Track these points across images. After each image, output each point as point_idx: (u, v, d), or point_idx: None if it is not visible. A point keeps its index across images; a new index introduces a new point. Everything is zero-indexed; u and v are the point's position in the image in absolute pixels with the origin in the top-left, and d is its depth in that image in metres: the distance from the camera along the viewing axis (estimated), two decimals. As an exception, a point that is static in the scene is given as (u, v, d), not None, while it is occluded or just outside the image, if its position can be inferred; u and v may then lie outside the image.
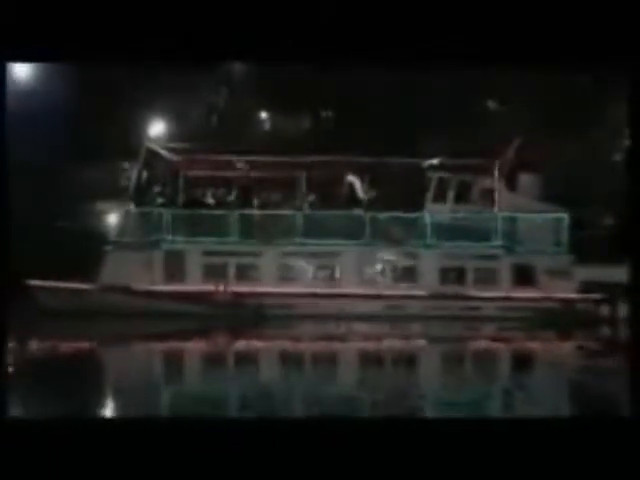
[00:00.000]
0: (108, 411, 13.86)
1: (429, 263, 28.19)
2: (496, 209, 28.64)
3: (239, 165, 28.31)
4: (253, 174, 28.56)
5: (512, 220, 28.67)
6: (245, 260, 28.00)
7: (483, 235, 28.48)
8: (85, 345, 22.66)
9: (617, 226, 29.34)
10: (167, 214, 28.27)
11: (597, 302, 28.16)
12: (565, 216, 28.59)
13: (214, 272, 27.83)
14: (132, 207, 28.20)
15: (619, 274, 28.86)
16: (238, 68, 36.19)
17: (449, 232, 28.39)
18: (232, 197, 28.71)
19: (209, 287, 27.41)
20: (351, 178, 29.28)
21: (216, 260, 28.00)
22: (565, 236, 28.56)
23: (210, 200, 28.91)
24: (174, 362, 20.94)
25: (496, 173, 28.68)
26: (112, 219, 29.10)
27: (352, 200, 29.02)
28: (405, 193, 29.38)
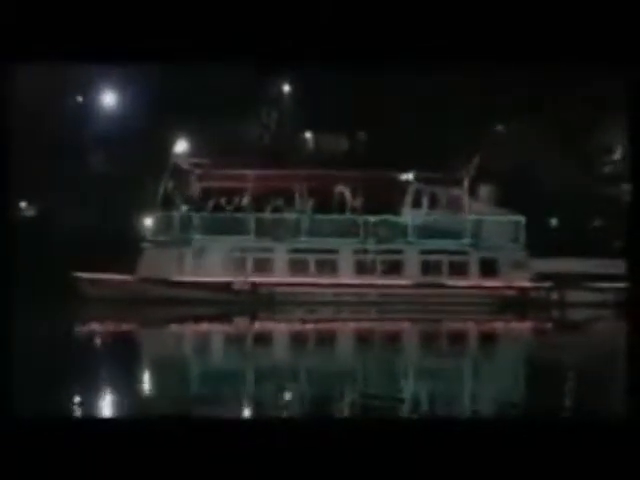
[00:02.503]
0: (145, 383, 13.60)
1: (411, 258, 28.13)
2: (464, 213, 28.60)
3: (249, 177, 28.19)
4: (262, 184, 28.44)
5: (479, 222, 28.64)
6: (260, 255, 27.86)
7: (455, 234, 28.47)
8: (125, 327, 22.45)
9: (570, 226, 29.30)
10: (195, 217, 28.17)
11: (548, 289, 28.15)
12: (522, 218, 28.58)
13: (234, 265, 27.76)
14: (161, 212, 28.05)
15: (567, 266, 29.04)
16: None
17: (428, 232, 28.38)
18: (245, 203, 28.60)
19: (231, 278, 27.30)
20: (341, 188, 29.26)
21: (236, 255, 27.91)
22: (522, 235, 28.55)
23: (228, 206, 28.74)
24: (202, 341, 20.78)
25: (465, 183, 28.73)
26: (147, 222, 28.90)
27: (342, 206, 28.97)
28: (387, 200, 29.38)
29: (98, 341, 19.44)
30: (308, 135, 37.24)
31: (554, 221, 31.75)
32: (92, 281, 26.60)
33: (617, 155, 31.45)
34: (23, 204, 33.45)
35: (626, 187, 30.66)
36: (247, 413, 10.54)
